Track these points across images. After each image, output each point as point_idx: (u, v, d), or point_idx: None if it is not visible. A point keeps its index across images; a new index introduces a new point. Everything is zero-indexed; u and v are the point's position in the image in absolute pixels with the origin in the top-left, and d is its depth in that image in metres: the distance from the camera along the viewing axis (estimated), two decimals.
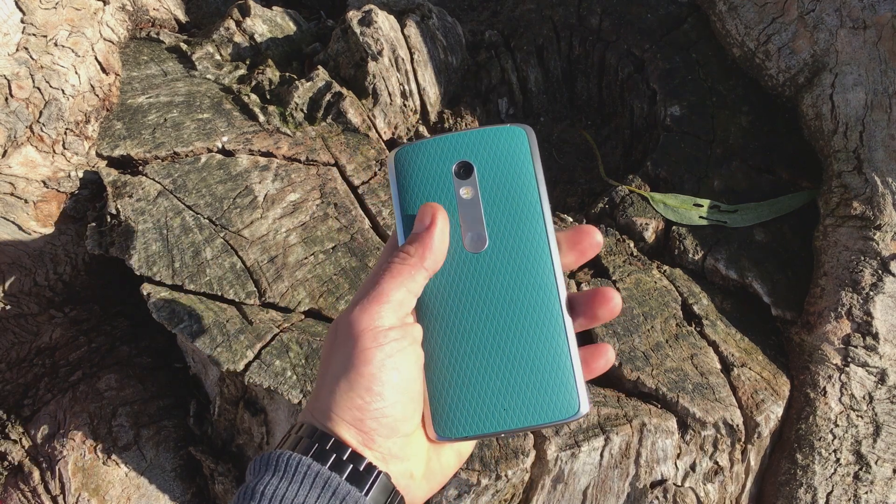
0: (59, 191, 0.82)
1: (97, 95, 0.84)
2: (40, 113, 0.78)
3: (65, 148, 0.80)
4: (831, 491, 0.73)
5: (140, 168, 0.82)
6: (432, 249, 0.45)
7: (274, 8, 1.01)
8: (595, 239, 0.48)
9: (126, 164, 0.83)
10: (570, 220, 0.87)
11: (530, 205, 0.48)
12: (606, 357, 0.48)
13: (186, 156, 0.83)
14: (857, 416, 0.73)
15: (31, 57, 0.77)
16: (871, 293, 0.74)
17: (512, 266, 0.47)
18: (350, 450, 0.42)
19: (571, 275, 0.81)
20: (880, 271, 0.75)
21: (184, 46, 0.95)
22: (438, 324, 0.47)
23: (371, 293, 0.44)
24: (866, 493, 0.73)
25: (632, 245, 0.84)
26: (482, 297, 0.47)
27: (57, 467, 0.77)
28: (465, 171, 0.48)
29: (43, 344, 0.88)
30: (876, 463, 0.73)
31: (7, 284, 0.85)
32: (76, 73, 0.81)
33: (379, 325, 0.43)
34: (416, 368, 0.45)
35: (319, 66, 0.92)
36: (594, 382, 0.74)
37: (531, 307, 0.47)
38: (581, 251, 0.48)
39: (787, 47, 0.89)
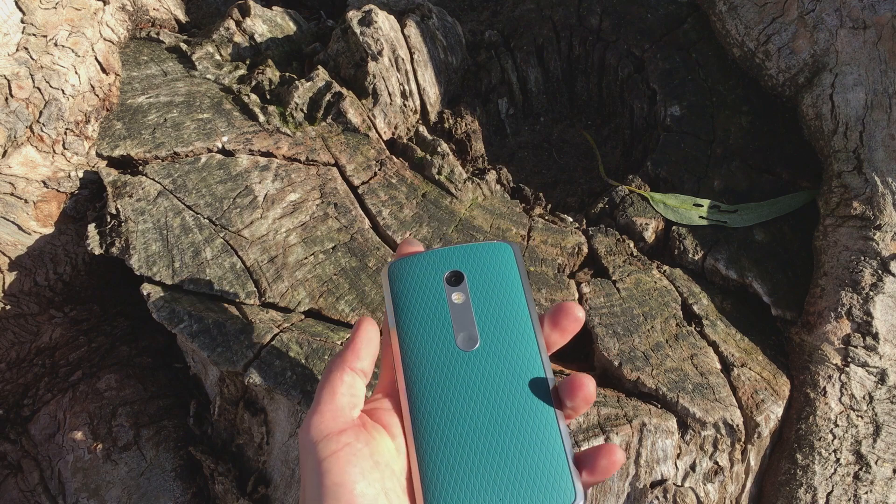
0: (59, 191, 0.82)
1: (97, 95, 0.84)
2: (40, 113, 0.78)
3: (65, 148, 0.80)
4: (831, 491, 0.73)
5: (140, 168, 0.82)
6: (356, 351, 0.48)
7: (274, 8, 1.01)
8: (575, 315, 0.50)
9: (126, 164, 0.83)
10: (570, 219, 0.87)
11: (518, 307, 0.51)
12: (612, 458, 0.47)
13: (186, 156, 0.83)
14: (857, 416, 0.73)
15: (31, 57, 0.77)
16: (871, 293, 0.74)
17: (503, 361, 0.49)
18: None
19: (571, 275, 0.81)
20: (880, 271, 0.75)
21: (184, 46, 0.95)
22: (433, 419, 0.48)
23: (315, 404, 0.47)
24: (866, 493, 0.73)
25: (632, 245, 0.84)
26: (475, 392, 0.48)
27: (57, 467, 0.77)
28: (455, 278, 0.52)
29: (43, 344, 0.88)
30: (876, 463, 0.73)
31: (7, 284, 0.85)
32: (76, 73, 0.81)
33: (329, 433, 0.45)
34: (376, 470, 0.45)
35: (319, 66, 0.92)
36: (599, 384, 0.73)
37: (522, 399, 0.48)
38: (563, 329, 0.51)
39: (787, 47, 0.89)
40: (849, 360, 0.74)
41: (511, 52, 1.03)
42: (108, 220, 0.78)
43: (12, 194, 0.79)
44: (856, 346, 0.74)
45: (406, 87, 0.93)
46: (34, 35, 0.78)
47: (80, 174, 0.82)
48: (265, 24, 0.98)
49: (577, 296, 0.77)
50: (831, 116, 0.83)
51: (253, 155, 0.84)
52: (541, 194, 0.92)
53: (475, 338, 0.50)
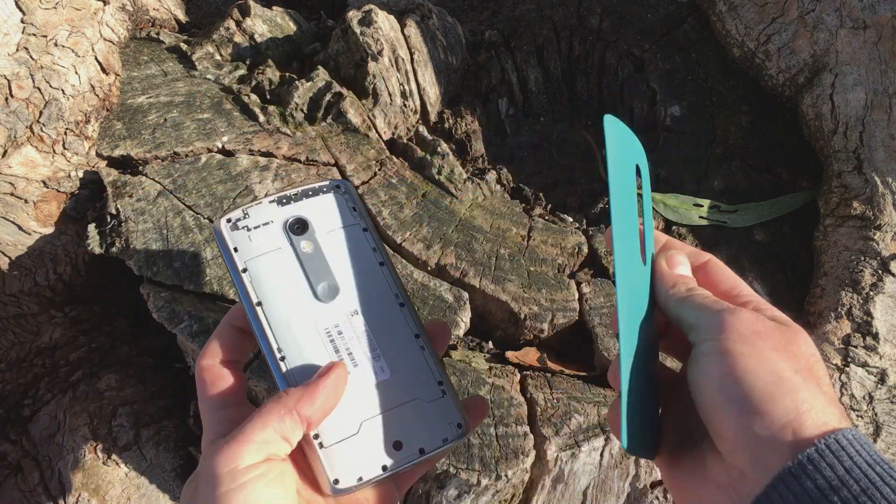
0: (59, 191, 0.82)
1: (97, 95, 0.84)
2: (40, 113, 0.78)
3: (65, 148, 0.80)
4: None
5: (140, 168, 0.82)
6: (314, 400, 0.42)
7: (274, 8, 1.01)
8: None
9: (126, 164, 0.83)
10: (570, 219, 0.87)
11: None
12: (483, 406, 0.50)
13: (186, 156, 0.83)
14: (857, 416, 0.73)
15: (31, 57, 0.77)
16: (871, 293, 0.74)
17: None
18: None
19: (571, 275, 0.81)
20: (880, 271, 0.75)
21: (184, 46, 0.95)
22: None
23: (236, 433, 0.41)
24: None
25: None
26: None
27: (57, 467, 0.77)
28: (300, 227, 0.49)
29: (43, 344, 0.88)
30: None
31: (7, 284, 0.85)
32: (76, 73, 0.81)
33: (237, 466, 0.40)
34: (286, 499, 0.41)
35: (319, 66, 0.92)
36: (599, 384, 0.74)
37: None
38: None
39: (787, 47, 0.89)
40: (849, 360, 0.74)
41: (511, 52, 1.03)
42: (108, 220, 0.78)
43: (12, 194, 0.79)
44: (856, 346, 0.74)
45: (406, 87, 0.93)
46: (34, 35, 0.78)
47: (80, 174, 0.82)
48: (265, 24, 0.98)
49: (577, 296, 0.77)
50: (831, 116, 0.83)
51: (253, 155, 0.84)
52: (541, 194, 0.92)
53: (336, 287, 0.47)
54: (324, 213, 0.50)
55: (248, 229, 0.48)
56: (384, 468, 0.44)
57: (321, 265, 0.48)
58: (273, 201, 0.50)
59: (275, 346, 0.45)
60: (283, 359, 0.45)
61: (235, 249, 0.47)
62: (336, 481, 0.43)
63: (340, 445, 0.44)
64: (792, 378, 0.35)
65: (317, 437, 0.44)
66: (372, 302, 0.48)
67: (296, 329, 0.46)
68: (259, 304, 0.46)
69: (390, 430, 0.45)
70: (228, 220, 0.48)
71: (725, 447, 0.36)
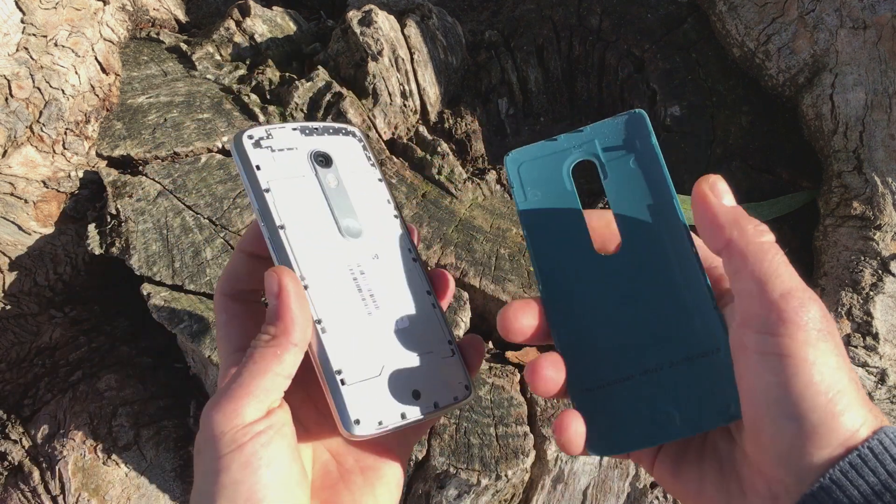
0: (59, 191, 0.82)
1: (97, 95, 0.84)
2: (40, 113, 0.78)
3: (65, 148, 0.80)
4: None
5: (140, 168, 0.82)
6: (294, 317, 0.39)
7: (274, 8, 1.01)
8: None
9: (126, 164, 0.83)
10: None
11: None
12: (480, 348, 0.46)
13: (186, 156, 0.83)
14: None
15: (31, 57, 0.77)
16: (871, 293, 0.74)
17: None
18: None
19: None
20: (880, 271, 0.75)
21: (184, 46, 0.95)
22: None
23: (232, 387, 0.38)
24: None
25: None
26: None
27: (57, 467, 0.77)
28: (325, 160, 0.46)
29: (43, 344, 0.88)
30: None
31: (7, 284, 0.85)
32: (76, 73, 0.81)
33: (238, 424, 0.37)
34: (288, 454, 0.38)
35: (319, 66, 0.92)
36: None
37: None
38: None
39: (787, 47, 0.89)
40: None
41: (511, 52, 1.03)
42: (108, 220, 0.78)
43: (12, 194, 0.79)
44: (856, 347, 0.74)
45: (406, 87, 0.93)
46: (34, 35, 0.78)
47: (80, 174, 0.82)
48: (265, 24, 0.98)
49: None
50: (831, 116, 0.83)
51: None
52: None
53: (358, 227, 0.45)
54: (345, 152, 0.47)
55: (272, 150, 0.45)
56: (403, 416, 0.41)
57: (345, 202, 0.45)
58: (296, 129, 0.46)
59: (297, 274, 0.42)
60: (306, 287, 0.42)
61: (258, 167, 0.44)
62: (357, 421, 0.40)
63: (363, 385, 0.41)
64: (849, 388, 0.33)
65: (339, 372, 0.41)
66: (391, 250, 0.46)
67: (321, 259, 0.43)
68: (282, 227, 0.43)
69: (410, 378, 0.43)
70: (250, 137, 0.45)
71: (764, 458, 0.34)
